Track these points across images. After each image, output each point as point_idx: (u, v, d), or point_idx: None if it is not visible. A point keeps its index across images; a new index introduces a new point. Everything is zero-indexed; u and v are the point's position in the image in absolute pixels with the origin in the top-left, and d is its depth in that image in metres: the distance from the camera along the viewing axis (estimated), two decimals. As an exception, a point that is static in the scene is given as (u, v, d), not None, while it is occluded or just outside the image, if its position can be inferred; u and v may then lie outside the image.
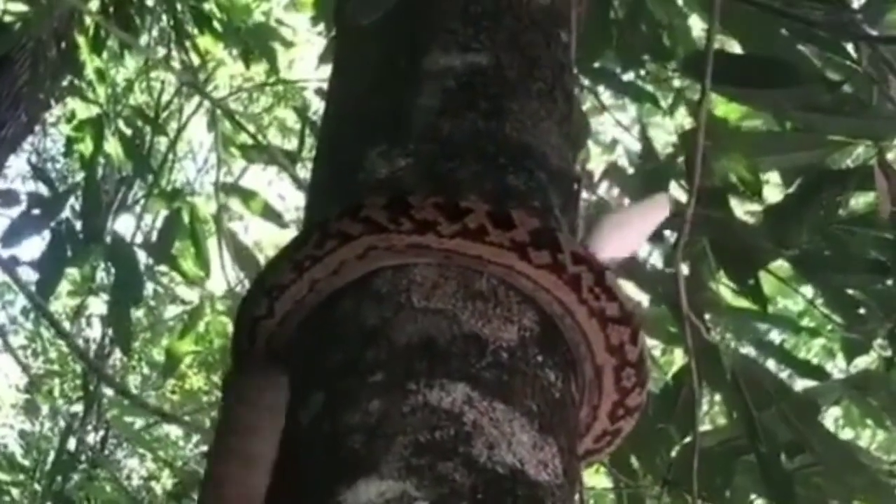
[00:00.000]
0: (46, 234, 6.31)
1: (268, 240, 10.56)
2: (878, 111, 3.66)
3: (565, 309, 2.07)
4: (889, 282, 3.98)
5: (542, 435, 1.92)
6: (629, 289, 3.92)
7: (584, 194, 4.52)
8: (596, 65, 4.51)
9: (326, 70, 2.97)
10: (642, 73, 4.80)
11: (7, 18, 7.54)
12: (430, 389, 1.88)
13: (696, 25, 4.68)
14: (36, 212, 6.31)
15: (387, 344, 1.96)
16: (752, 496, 4.32)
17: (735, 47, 4.08)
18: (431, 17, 2.55)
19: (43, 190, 7.36)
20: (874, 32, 3.57)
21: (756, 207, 4.16)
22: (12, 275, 7.02)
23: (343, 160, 2.38)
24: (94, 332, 12.39)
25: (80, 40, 7.67)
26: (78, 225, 6.36)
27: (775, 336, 5.64)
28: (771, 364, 4.48)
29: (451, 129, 2.31)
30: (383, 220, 2.03)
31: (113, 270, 6.52)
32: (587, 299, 2.06)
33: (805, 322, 6.16)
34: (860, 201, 4.55)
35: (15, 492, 12.12)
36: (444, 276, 2.04)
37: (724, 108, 4.88)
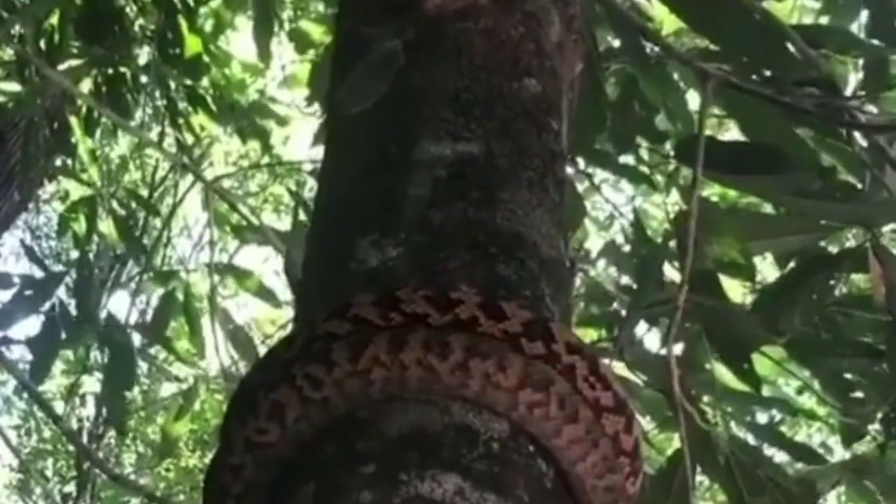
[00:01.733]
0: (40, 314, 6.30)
1: (264, 316, 10.55)
2: (870, 197, 3.66)
3: (560, 399, 2.04)
4: (884, 365, 3.96)
5: (534, 525, 1.90)
6: (624, 371, 3.91)
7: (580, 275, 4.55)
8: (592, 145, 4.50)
9: (321, 148, 2.96)
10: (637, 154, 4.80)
11: (-1, 98, 7.59)
12: (421, 481, 1.86)
13: (694, 99, 4.66)
14: (28, 293, 6.29)
15: (378, 435, 1.94)
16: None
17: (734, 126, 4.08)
18: (422, 105, 2.55)
19: (36, 269, 7.34)
20: (865, 118, 3.57)
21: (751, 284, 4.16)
22: (2, 357, 7.00)
23: (334, 246, 2.37)
24: (89, 410, 12.34)
25: (73, 120, 7.70)
26: (72, 304, 6.35)
27: (774, 413, 5.58)
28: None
29: (441, 218, 2.30)
30: (373, 317, 2.01)
31: (107, 351, 6.49)
32: (582, 389, 2.04)
33: (804, 398, 6.13)
34: (860, 277, 4.53)
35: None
36: (435, 366, 2.02)
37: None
